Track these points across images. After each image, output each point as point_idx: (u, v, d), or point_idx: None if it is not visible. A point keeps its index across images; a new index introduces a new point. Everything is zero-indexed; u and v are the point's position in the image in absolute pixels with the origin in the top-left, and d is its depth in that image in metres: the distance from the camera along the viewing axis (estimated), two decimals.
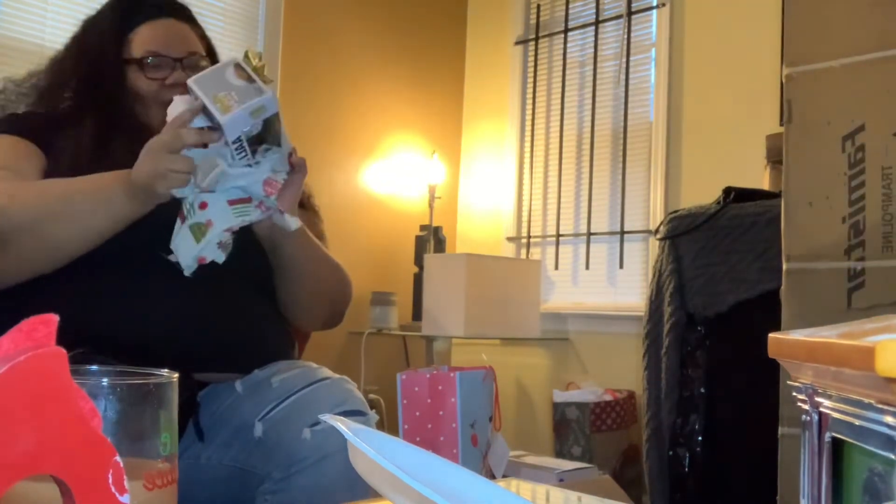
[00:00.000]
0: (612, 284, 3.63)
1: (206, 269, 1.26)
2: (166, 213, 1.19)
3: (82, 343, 1.05)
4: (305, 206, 1.49)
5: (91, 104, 1.36)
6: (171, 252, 1.20)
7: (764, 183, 2.52)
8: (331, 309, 1.46)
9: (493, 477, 0.94)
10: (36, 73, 1.44)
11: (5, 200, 1.17)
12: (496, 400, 1.01)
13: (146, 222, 1.20)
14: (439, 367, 0.96)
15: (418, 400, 0.95)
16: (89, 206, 1.18)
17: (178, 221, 1.20)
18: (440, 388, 0.94)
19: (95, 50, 1.38)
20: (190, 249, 1.19)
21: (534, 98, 3.93)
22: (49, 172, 1.29)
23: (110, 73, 1.36)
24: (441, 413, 0.93)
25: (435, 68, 4.09)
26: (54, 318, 0.37)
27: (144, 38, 1.37)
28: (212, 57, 1.47)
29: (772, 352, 0.49)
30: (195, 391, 1.25)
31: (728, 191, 2.38)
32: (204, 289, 1.26)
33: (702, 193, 2.78)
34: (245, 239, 1.31)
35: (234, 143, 1.16)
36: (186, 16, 1.45)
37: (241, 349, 1.30)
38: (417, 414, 0.94)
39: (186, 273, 1.19)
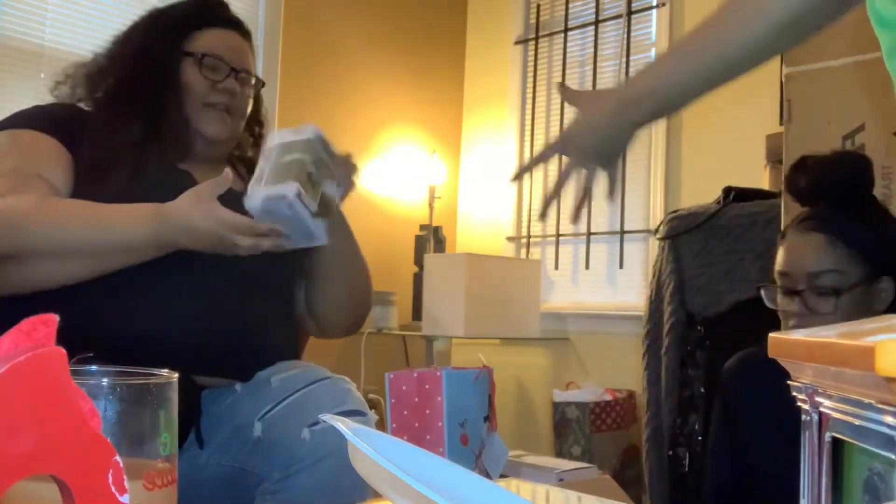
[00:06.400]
0: (612, 284, 3.62)
1: (210, 271, 1.26)
2: None
3: (85, 348, 1.05)
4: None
5: (137, 95, 1.35)
6: None
7: (764, 183, 2.52)
8: (355, 313, 1.48)
9: (488, 477, 0.94)
10: (102, 58, 1.42)
11: (23, 218, 1.15)
12: (492, 400, 1.01)
13: None
14: (439, 368, 0.96)
15: (406, 399, 0.95)
16: (111, 245, 1.18)
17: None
18: (427, 386, 0.94)
19: (159, 38, 1.39)
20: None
21: (534, 98, 3.93)
22: (77, 171, 1.27)
23: (167, 61, 1.37)
24: (427, 412, 0.94)
25: (435, 68, 4.09)
26: (54, 318, 0.37)
27: (209, 39, 1.39)
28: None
29: (772, 352, 0.49)
30: (198, 397, 1.25)
31: (728, 191, 2.38)
32: (207, 292, 1.25)
33: (702, 193, 2.78)
34: None
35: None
36: (249, 37, 1.49)
37: (243, 354, 1.29)
38: (405, 413, 0.94)
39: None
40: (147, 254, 1.19)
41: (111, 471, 0.37)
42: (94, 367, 0.53)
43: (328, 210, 1.24)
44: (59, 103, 1.38)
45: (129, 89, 1.36)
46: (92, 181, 1.25)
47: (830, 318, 1.28)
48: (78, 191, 1.25)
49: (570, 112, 1.16)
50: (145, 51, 1.38)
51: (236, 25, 1.46)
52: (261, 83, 1.47)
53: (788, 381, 0.50)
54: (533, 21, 3.98)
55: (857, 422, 0.41)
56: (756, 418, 1.41)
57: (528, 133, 3.93)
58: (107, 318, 1.19)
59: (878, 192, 1.63)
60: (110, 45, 1.42)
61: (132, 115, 1.33)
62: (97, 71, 1.39)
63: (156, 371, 0.52)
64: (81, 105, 1.38)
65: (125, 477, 0.37)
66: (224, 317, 1.26)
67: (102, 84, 1.38)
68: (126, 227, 1.18)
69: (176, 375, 0.52)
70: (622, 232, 3.56)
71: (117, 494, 0.37)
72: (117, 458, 0.37)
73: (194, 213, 1.15)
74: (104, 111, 1.36)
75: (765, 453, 1.38)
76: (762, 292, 1.41)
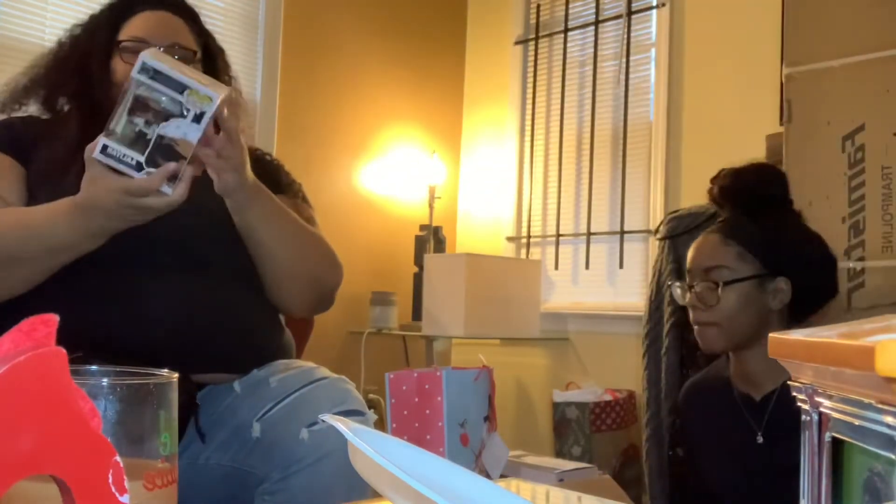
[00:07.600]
0: (612, 284, 3.62)
1: (204, 269, 1.26)
2: (160, 217, 1.18)
3: (79, 347, 1.05)
4: (286, 192, 1.47)
5: (81, 98, 1.36)
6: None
7: None
8: (317, 289, 1.41)
9: (488, 477, 0.94)
10: (34, 68, 1.43)
11: None
12: (492, 400, 1.01)
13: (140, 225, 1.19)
14: (439, 368, 0.96)
15: (406, 399, 0.95)
16: (46, 249, 1.18)
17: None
18: (427, 386, 0.94)
19: (89, 40, 1.39)
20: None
21: (534, 98, 3.93)
22: (31, 180, 1.29)
23: (99, 60, 1.36)
24: (427, 412, 0.94)
25: (435, 68, 4.09)
26: (54, 318, 0.37)
27: (133, 26, 1.37)
28: (209, 57, 1.45)
29: (772, 352, 0.49)
30: (194, 393, 1.25)
31: None
32: (200, 290, 1.25)
33: (702, 193, 2.77)
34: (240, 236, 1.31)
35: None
36: (186, 12, 1.43)
37: (239, 351, 1.29)
38: (405, 413, 0.94)
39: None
40: (84, 246, 1.18)
41: (111, 471, 0.37)
42: (94, 367, 0.53)
43: (173, 154, 1.12)
44: (15, 117, 1.39)
45: (71, 93, 1.37)
46: (47, 188, 1.26)
47: (717, 309, 1.42)
48: (34, 200, 1.27)
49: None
50: (80, 51, 1.39)
51: (166, 4, 1.40)
52: (193, 52, 1.38)
53: (788, 381, 0.50)
54: (533, 21, 3.98)
55: (857, 422, 0.41)
56: (701, 436, 1.55)
57: (528, 133, 3.93)
58: (94, 318, 1.18)
59: (877, 192, 1.63)
60: (51, 50, 1.44)
61: (73, 117, 1.34)
62: (34, 81, 1.40)
63: (156, 371, 0.52)
64: (34, 114, 1.39)
65: (125, 477, 0.37)
66: (210, 313, 1.26)
67: (44, 91, 1.39)
68: (53, 227, 1.17)
69: (176, 375, 0.52)
70: (622, 232, 3.55)
71: (117, 494, 0.37)
72: (117, 458, 0.37)
73: (96, 194, 1.12)
74: (52, 117, 1.38)
75: (708, 466, 1.52)
76: (672, 290, 1.55)
